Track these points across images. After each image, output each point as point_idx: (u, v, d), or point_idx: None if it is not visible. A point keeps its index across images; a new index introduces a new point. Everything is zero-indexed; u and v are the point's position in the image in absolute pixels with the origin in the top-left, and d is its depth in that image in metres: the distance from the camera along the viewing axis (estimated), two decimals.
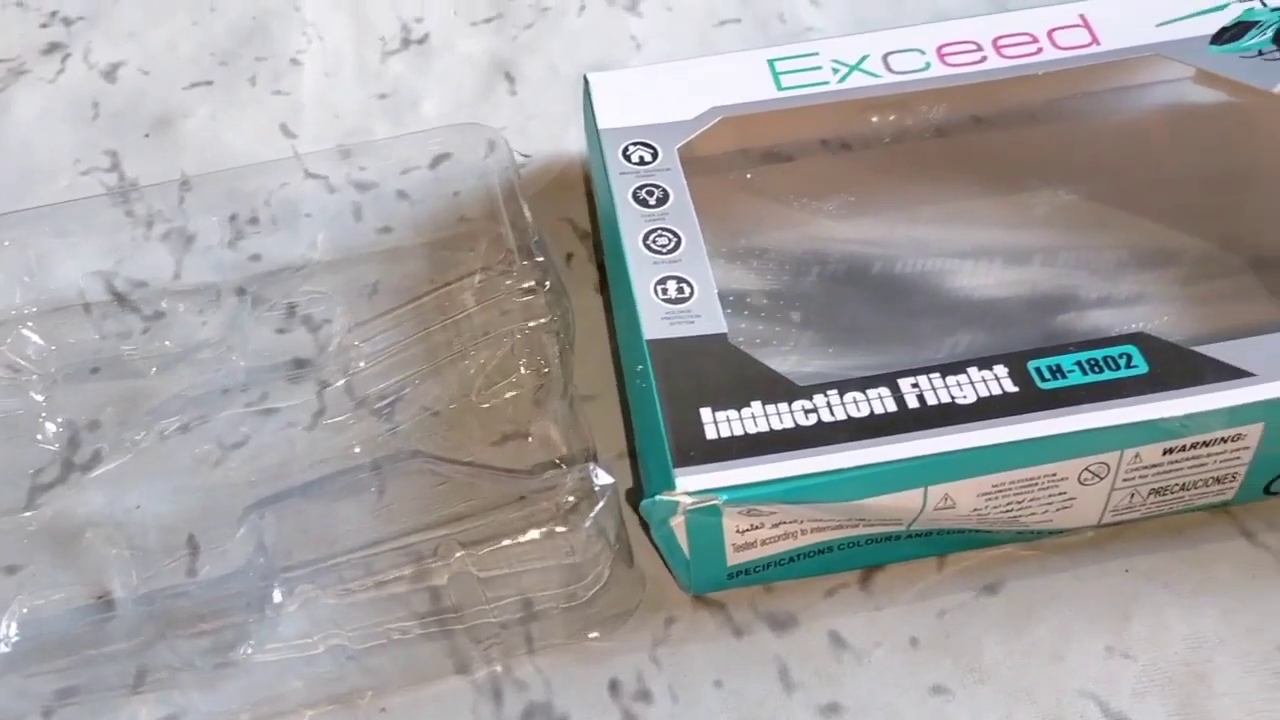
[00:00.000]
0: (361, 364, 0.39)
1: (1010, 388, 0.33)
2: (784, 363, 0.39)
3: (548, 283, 0.38)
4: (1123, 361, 0.34)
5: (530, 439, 0.38)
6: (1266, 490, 0.36)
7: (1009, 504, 0.34)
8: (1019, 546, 0.36)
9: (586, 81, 0.43)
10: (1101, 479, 0.34)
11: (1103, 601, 0.36)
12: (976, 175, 0.45)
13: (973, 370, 0.34)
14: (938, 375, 0.34)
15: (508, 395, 0.38)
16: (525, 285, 0.38)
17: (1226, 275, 0.42)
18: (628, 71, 0.44)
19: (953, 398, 0.33)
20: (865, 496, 0.32)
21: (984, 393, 0.33)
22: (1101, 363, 0.34)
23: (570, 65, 0.53)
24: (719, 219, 0.43)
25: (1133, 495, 0.35)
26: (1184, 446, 0.33)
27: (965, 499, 0.33)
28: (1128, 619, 0.35)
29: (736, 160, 0.46)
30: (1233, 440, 0.34)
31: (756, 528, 0.33)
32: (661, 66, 0.44)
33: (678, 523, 0.32)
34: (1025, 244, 0.43)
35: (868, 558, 0.36)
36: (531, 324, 0.38)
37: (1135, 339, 0.35)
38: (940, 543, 0.35)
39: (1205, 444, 0.33)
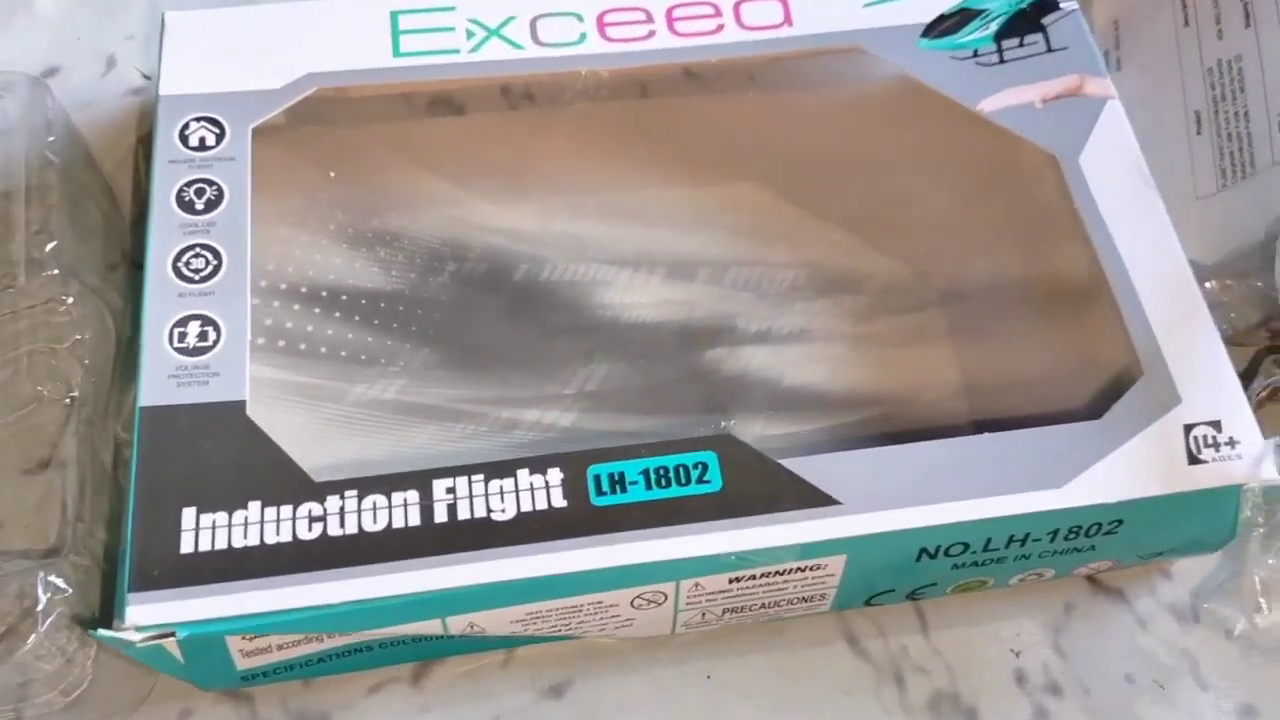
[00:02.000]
0: None
1: (559, 502, 0.28)
2: (389, 388, 0.34)
3: (69, 297, 0.31)
4: (696, 473, 0.29)
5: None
6: (868, 602, 0.32)
7: (553, 626, 0.29)
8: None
9: (163, 21, 0.35)
10: (659, 604, 0.29)
11: (675, 713, 0.32)
12: (663, 154, 0.39)
13: (523, 473, 0.29)
14: (480, 479, 0.29)
15: (31, 422, 0.32)
16: (42, 301, 0.31)
17: (912, 310, 0.37)
18: (217, 12, 0.36)
19: (489, 510, 0.28)
20: (366, 629, 0.28)
21: (527, 506, 0.28)
22: (672, 474, 0.29)
23: None
24: (354, 186, 0.36)
25: (704, 614, 0.30)
26: (753, 576, 0.29)
27: (496, 625, 0.29)
28: None
29: (395, 107, 0.39)
30: (813, 569, 0.29)
31: (263, 639, 0.29)
32: (259, 9, 0.35)
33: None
34: (696, 252, 0.37)
35: (417, 654, 0.31)
36: (56, 345, 0.31)
37: (719, 443, 0.30)
38: (497, 641, 0.31)
39: (779, 572, 0.29)
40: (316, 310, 0.34)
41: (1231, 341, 0.36)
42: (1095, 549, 0.31)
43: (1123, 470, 0.29)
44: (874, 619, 0.33)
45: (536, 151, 0.39)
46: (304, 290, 0.35)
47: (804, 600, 0.31)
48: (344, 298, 0.35)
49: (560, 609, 0.28)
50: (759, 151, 0.39)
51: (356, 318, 0.35)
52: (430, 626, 0.28)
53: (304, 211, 0.37)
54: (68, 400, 0.32)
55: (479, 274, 0.36)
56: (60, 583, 0.27)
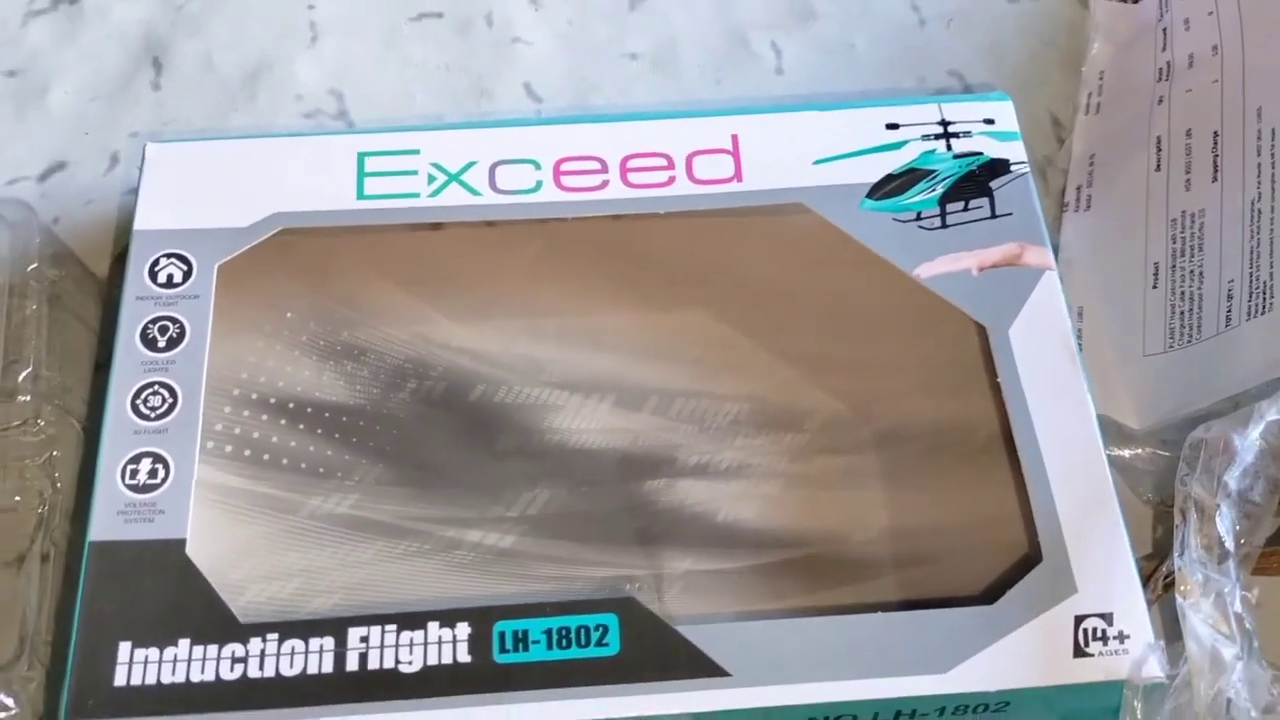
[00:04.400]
0: None
1: (463, 657, 0.30)
2: (343, 502, 0.36)
3: (41, 420, 0.34)
4: (596, 636, 0.31)
5: None
6: None
7: None
8: None
9: (144, 153, 0.37)
10: None
11: None
12: (626, 277, 0.40)
13: (433, 626, 0.31)
14: (393, 630, 0.31)
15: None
16: (16, 424, 0.34)
17: (848, 451, 0.38)
18: (195, 146, 0.38)
19: (398, 662, 0.30)
20: None
21: (433, 660, 0.30)
22: (573, 635, 0.31)
23: (229, 58, 0.46)
24: (329, 297, 0.38)
25: None
26: None
27: None
28: None
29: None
30: None
31: None
32: (234, 144, 0.38)
33: None
34: (645, 381, 0.38)
35: None
36: (28, 460, 0.34)
37: (622, 606, 0.31)
38: None
39: None
40: (282, 421, 0.37)
41: (1160, 506, 0.37)
42: None
43: (1008, 658, 0.30)
44: None
45: (505, 269, 0.41)
46: (272, 401, 0.37)
47: None
48: (309, 410, 0.37)
49: None
50: (715, 279, 0.40)
51: (319, 430, 0.37)
52: None
53: (279, 322, 0.39)
54: (40, 510, 0.35)
55: (438, 392, 0.38)
56: (9, 702, 0.30)
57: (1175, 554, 0.29)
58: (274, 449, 0.36)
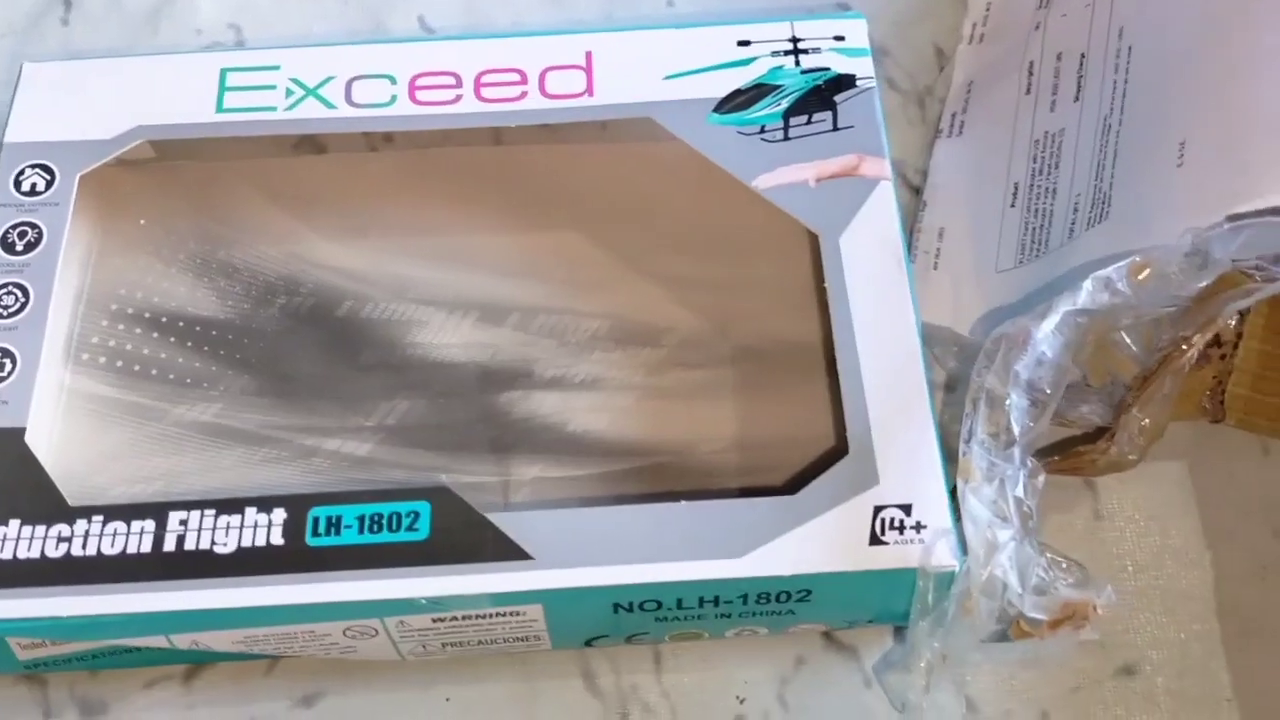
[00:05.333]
0: None
1: (277, 540, 0.31)
2: (207, 410, 0.38)
3: None
4: (408, 521, 0.32)
5: None
6: (589, 643, 0.34)
7: (274, 648, 0.32)
8: None
9: (20, 71, 0.39)
10: (372, 637, 0.32)
11: None
12: (503, 200, 0.41)
13: (250, 511, 0.32)
14: (211, 513, 0.32)
15: None
16: None
17: (705, 365, 0.39)
18: (68, 64, 0.39)
19: (213, 544, 0.31)
20: (101, 639, 0.31)
21: (247, 542, 0.31)
22: (385, 521, 0.32)
23: None
24: (211, 218, 0.40)
25: (425, 646, 0.33)
26: (454, 617, 0.32)
27: (218, 644, 0.32)
28: None
29: (263, 145, 0.42)
30: (513, 615, 0.32)
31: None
32: (100, 62, 0.39)
33: None
34: (509, 298, 0.39)
35: (187, 658, 0.35)
36: None
37: (433, 494, 0.32)
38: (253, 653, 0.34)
39: (480, 616, 0.32)
40: (154, 334, 0.38)
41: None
42: (795, 613, 0.33)
43: (804, 545, 0.31)
44: (612, 658, 0.36)
45: (384, 193, 0.42)
46: (146, 315, 0.39)
47: (521, 639, 0.33)
48: (181, 324, 0.39)
49: (276, 635, 0.32)
50: (584, 200, 0.41)
51: (189, 343, 0.38)
52: (156, 641, 0.31)
53: (160, 240, 0.40)
54: None
55: (306, 308, 0.40)
56: None
57: (962, 441, 0.30)
58: (144, 360, 0.38)
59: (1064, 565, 0.29)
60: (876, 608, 0.32)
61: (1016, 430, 0.29)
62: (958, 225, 0.42)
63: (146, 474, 0.36)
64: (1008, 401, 0.30)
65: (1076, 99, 0.41)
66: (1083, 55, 0.42)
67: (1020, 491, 0.29)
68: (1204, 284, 0.31)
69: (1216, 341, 0.36)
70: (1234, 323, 0.37)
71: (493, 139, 0.41)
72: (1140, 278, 0.30)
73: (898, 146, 0.44)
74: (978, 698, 0.35)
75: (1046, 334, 0.30)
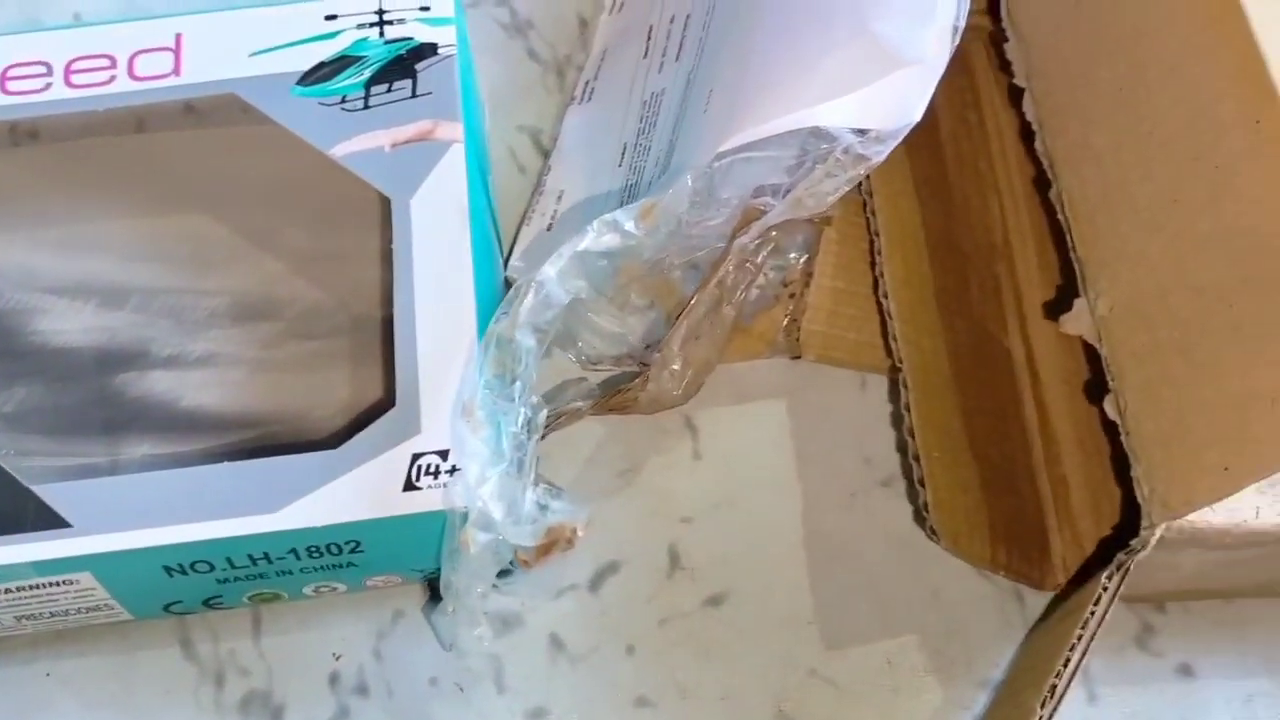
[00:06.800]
0: None
1: None
2: None
3: None
4: None
5: None
6: (168, 610, 0.35)
7: None
8: None
9: None
10: None
11: (10, 706, 0.36)
12: (138, 187, 0.42)
13: None
14: None
15: None
16: None
17: (323, 336, 0.39)
18: None
19: None
20: None
21: None
22: None
23: None
24: None
25: None
26: (6, 590, 0.32)
27: None
28: None
29: None
30: (66, 584, 0.33)
31: None
32: None
33: None
34: (131, 281, 0.40)
35: None
36: None
37: None
38: None
39: (34, 586, 0.32)
40: None
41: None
42: (357, 565, 0.34)
43: (339, 497, 0.32)
44: (213, 625, 0.37)
45: (14, 183, 0.42)
46: None
47: (94, 609, 0.34)
48: None
49: None
50: (211, 182, 0.41)
51: None
52: None
53: None
54: None
55: None
56: None
57: (467, 383, 0.31)
58: None
59: (553, 494, 0.30)
60: (432, 553, 0.33)
61: (519, 369, 0.31)
62: (576, 189, 0.43)
63: None
64: (512, 343, 0.31)
65: (677, 59, 0.42)
66: (688, 17, 0.43)
67: (517, 426, 0.30)
68: (716, 221, 0.33)
69: (784, 282, 0.38)
70: (803, 261, 0.38)
71: (135, 127, 0.42)
72: (648, 219, 0.32)
73: (535, 115, 0.46)
74: (564, 635, 0.36)
75: (550, 277, 0.31)
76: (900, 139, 0.29)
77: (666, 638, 0.37)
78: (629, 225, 0.32)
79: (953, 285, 0.38)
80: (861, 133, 0.30)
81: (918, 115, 0.29)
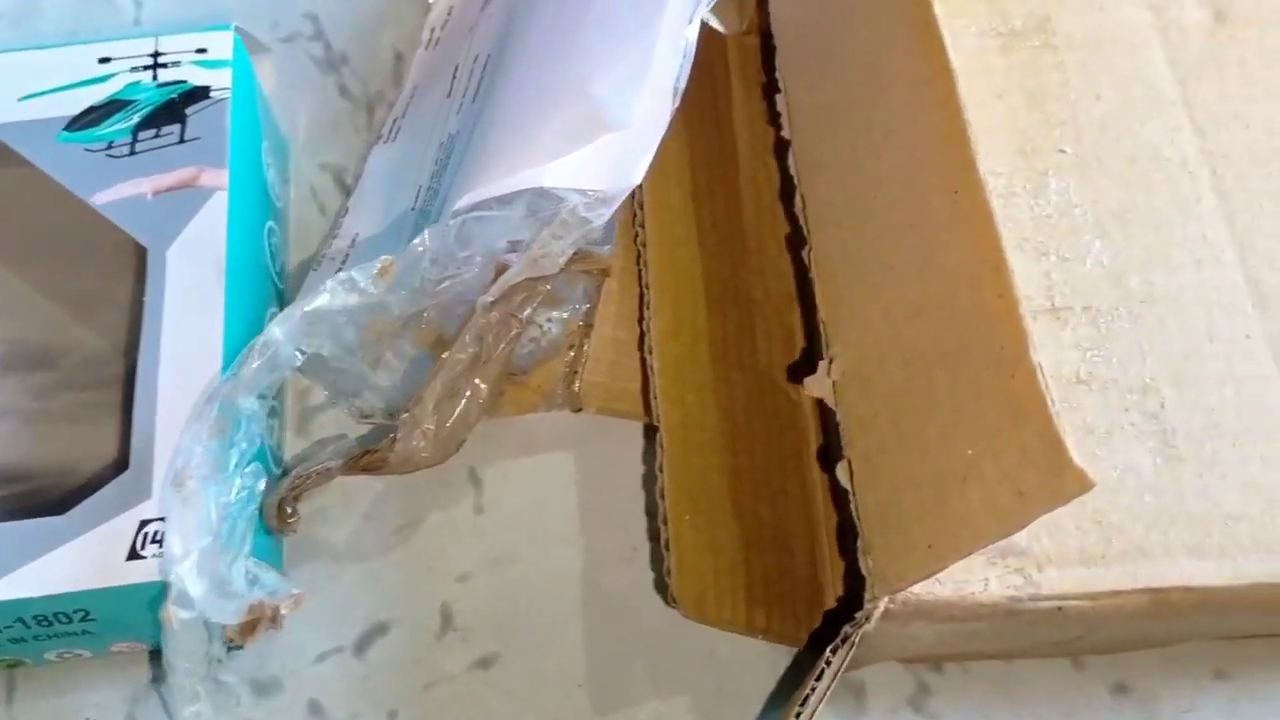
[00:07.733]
0: None
1: None
2: None
3: None
4: None
5: None
6: None
7: None
8: None
9: None
10: None
11: None
12: None
13: None
14: None
15: None
16: None
17: (97, 386, 0.38)
18: None
19: None
20: None
21: None
22: None
23: None
24: None
25: None
26: None
27: None
28: None
29: None
30: None
31: None
32: None
33: None
34: None
35: None
36: None
37: None
38: None
39: None
40: None
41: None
42: (92, 633, 0.33)
43: (63, 565, 0.31)
44: None
45: None
46: None
47: None
48: None
49: None
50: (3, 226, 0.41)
51: None
52: None
53: None
54: None
55: None
56: None
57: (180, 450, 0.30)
58: None
59: (260, 570, 0.29)
60: (156, 624, 0.32)
61: (237, 435, 0.30)
62: (371, 232, 0.42)
63: None
64: (234, 406, 0.30)
65: (474, 99, 0.41)
66: (489, 57, 0.42)
67: (230, 496, 0.29)
68: (466, 276, 0.32)
69: (566, 333, 0.37)
70: (584, 312, 0.38)
71: None
72: (385, 277, 0.31)
73: (341, 153, 0.45)
74: (324, 701, 0.36)
75: (278, 338, 0.30)
76: (619, 202, 0.28)
77: (432, 702, 0.36)
78: (365, 284, 0.31)
79: (733, 336, 0.37)
80: (585, 194, 0.29)
81: (637, 178, 0.28)
